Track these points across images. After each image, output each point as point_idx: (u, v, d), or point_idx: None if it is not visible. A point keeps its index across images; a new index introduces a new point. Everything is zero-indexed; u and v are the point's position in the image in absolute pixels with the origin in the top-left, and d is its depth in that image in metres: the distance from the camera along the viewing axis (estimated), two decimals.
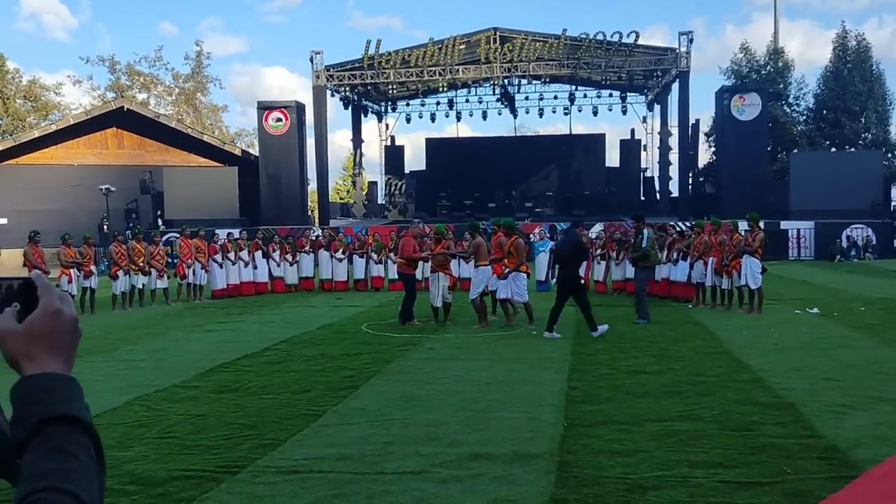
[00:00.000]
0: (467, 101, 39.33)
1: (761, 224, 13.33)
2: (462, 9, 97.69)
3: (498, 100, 37.87)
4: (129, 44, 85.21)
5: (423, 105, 39.90)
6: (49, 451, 0.92)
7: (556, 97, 37.80)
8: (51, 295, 1.01)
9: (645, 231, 12.32)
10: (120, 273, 15.18)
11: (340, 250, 18.53)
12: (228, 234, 19.26)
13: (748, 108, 29.75)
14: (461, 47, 31.32)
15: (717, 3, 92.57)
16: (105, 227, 28.45)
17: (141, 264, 15.56)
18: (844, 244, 27.78)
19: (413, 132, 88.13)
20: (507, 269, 11.20)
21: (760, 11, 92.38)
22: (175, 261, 16.69)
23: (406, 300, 12.22)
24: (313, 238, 21.32)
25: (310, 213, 34.77)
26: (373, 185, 40.12)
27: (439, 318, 12.10)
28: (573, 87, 37.10)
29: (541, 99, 37.79)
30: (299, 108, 32.06)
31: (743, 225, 13.86)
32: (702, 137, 38.62)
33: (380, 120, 41.18)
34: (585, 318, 10.45)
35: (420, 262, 13.08)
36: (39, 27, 79.00)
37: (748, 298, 12.88)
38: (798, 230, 28.08)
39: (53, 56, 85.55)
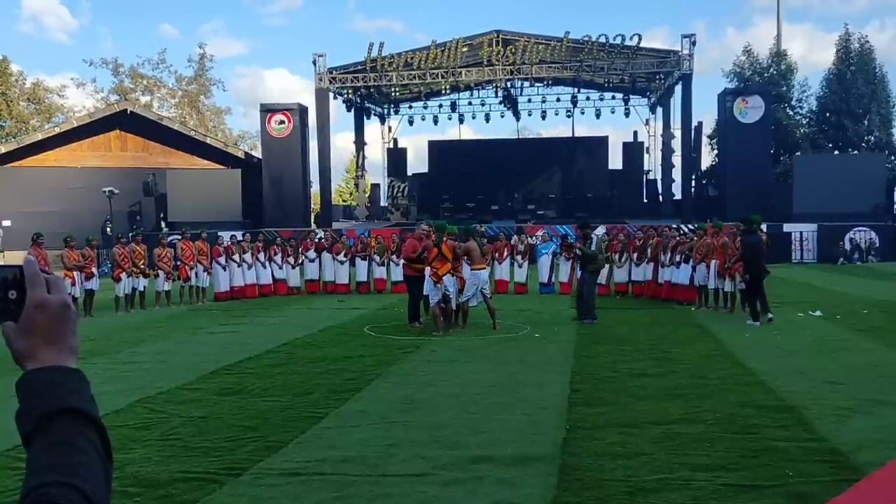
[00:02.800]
0: (470, 103, 39.31)
1: (763, 227, 13.32)
2: (463, 11, 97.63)
3: (500, 102, 37.85)
4: (129, 46, 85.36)
5: (425, 107, 39.89)
6: (53, 444, 0.92)
7: (558, 99, 37.76)
8: (36, 286, 1.01)
9: (594, 236, 13.12)
10: (123, 275, 15.20)
11: (342, 252, 18.56)
12: (231, 236, 19.27)
13: (751, 110, 29.72)
14: (463, 50, 31.34)
15: (717, 6, 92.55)
16: (108, 229, 28.49)
17: (142, 267, 15.59)
18: (847, 247, 27.73)
19: (415, 134, 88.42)
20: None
21: (761, 14, 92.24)
22: (178, 263, 16.71)
23: (411, 301, 12.28)
24: (316, 240, 21.34)
25: (314, 217, 34.73)
26: (375, 187, 40.13)
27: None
28: (576, 90, 37.04)
29: (543, 101, 37.73)
30: (302, 111, 32.11)
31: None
32: (704, 140, 38.56)
33: (382, 122, 41.22)
34: (761, 305, 11.91)
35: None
36: (40, 29, 79.05)
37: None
38: (801, 233, 28.05)
39: (54, 58, 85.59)
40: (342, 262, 18.56)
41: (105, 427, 0.98)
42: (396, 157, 40.60)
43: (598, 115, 38.42)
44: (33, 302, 1.00)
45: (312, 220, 33.37)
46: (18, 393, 0.97)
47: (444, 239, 11.39)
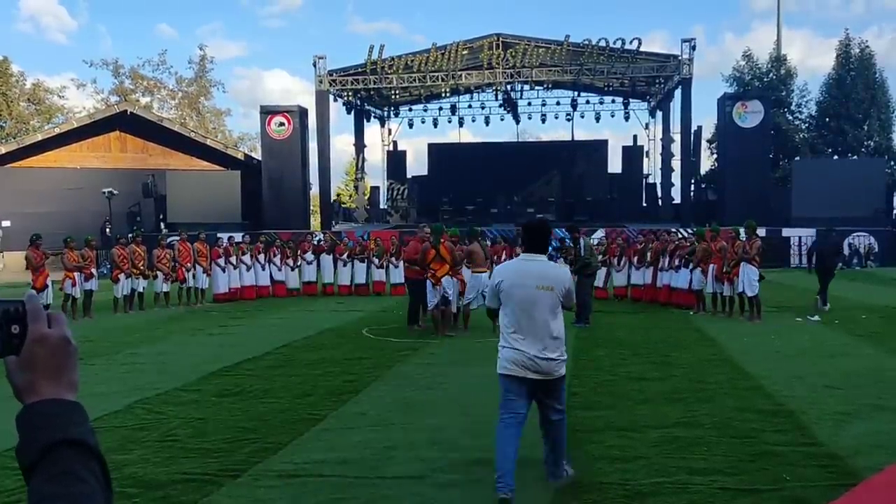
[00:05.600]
0: (470, 106, 39.31)
1: (761, 232, 13.38)
2: (461, 14, 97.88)
3: (500, 105, 37.85)
4: (128, 46, 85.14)
5: (425, 110, 39.91)
6: (54, 475, 0.93)
7: (558, 103, 37.81)
8: (37, 320, 1.01)
9: (581, 240, 13.13)
10: (121, 276, 15.20)
11: (346, 254, 18.60)
12: (230, 237, 19.29)
13: (750, 115, 29.77)
14: (464, 53, 31.38)
15: (716, 11, 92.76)
16: (108, 230, 28.51)
17: (142, 268, 15.60)
18: (846, 252, 27.75)
19: (415, 137, 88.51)
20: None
21: (760, 19, 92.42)
22: (176, 264, 16.69)
23: (410, 304, 12.27)
24: (315, 242, 21.35)
25: (320, 218, 34.72)
26: (375, 189, 40.16)
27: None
28: (576, 94, 37.08)
29: (543, 105, 37.76)
30: (302, 113, 32.14)
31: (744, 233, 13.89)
32: (704, 144, 38.62)
33: (382, 125, 41.25)
34: (820, 299, 14.21)
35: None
36: (38, 29, 79.01)
37: (749, 305, 12.89)
38: (800, 237, 28.06)
39: (53, 59, 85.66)
40: (345, 264, 18.59)
41: (105, 459, 0.99)
42: (396, 159, 40.63)
43: (597, 119, 38.47)
44: (34, 336, 1.00)
45: (319, 221, 33.39)
46: (18, 426, 0.97)
47: (442, 241, 11.35)
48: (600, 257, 16.77)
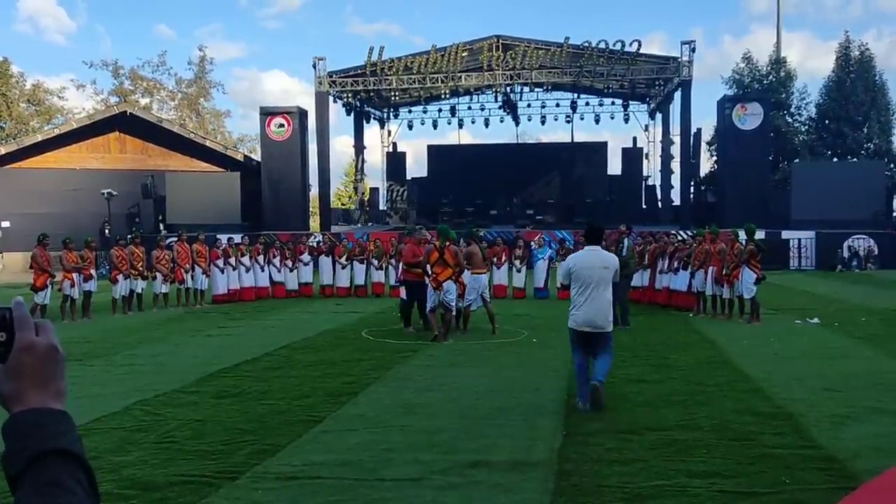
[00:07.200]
0: (469, 108, 39.29)
1: (760, 234, 13.36)
2: (461, 16, 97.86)
3: (500, 107, 37.86)
4: (126, 47, 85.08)
5: (425, 112, 39.93)
6: (41, 485, 0.92)
7: (558, 105, 37.82)
8: (25, 328, 1.00)
9: (626, 240, 13.07)
10: (120, 277, 15.19)
11: (344, 256, 18.58)
12: (230, 238, 19.27)
13: (750, 117, 29.77)
14: (464, 55, 31.39)
15: (715, 13, 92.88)
16: (107, 231, 28.50)
17: (140, 269, 15.58)
18: (846, 254, 27.74)
19: (415, 139, 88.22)
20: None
21: (758, 22, 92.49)
22: (175, 265, 16.67)
23: (407, 305, 12.25)
24: (313, 244, 21.34)
25: (321, 219, 34.69)
26: (374, 191, 40.16)
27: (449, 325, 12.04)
28: (575, 95, 37.12)
29: (543, 107, 37.77)
30: (302, 114, 32.13)
31: (743, 235, 13.88)
32: (703, 146, 38.62)
33: (382, 126, 41.24)
34: None
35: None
36: (37, 30, 78.92)
37: (748, 308, 12.88)
38: (799, 240, 28.06)
39: (52, 60, 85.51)
40: (343, 266, 18.56)
41: (92, 468, 0.98)
42: (395, 160, 40.64)
43: (597, 121, 38.53)
44: (21, 344, 1.00)
45: (318, 222, 33.40)
46: (4, 435, 0.96)
47: (448, 244, 11.19)
48: None
